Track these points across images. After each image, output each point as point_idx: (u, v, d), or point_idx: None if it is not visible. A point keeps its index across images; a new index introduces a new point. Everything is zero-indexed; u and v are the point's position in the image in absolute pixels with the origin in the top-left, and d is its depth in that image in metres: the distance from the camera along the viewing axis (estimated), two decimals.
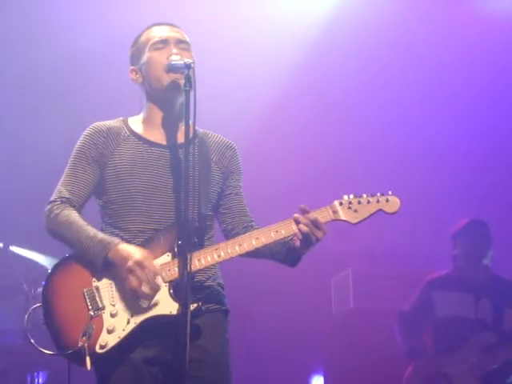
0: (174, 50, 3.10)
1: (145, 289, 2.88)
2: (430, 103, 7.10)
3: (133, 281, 2.89)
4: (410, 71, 6.96)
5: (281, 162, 7.08)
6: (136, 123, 3.22)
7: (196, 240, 2.98)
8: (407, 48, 6.91)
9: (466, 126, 7.05)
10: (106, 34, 6.33)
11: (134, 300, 2.93)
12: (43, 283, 3.06)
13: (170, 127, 3.16)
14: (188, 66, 2.96)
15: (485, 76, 6.88)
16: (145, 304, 2.92)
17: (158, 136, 3.16)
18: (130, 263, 2.89)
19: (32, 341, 3.06)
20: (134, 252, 2.92)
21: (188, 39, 3.20)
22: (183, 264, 2.76)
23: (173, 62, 3.04)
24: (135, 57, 3.22)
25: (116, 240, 2.97)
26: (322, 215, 3.00)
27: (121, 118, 3.25)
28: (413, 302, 5.74)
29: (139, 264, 2.89)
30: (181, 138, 3.08)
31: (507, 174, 7.03)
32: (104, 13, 6.54)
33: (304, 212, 3.00)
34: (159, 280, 2.93)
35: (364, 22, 6.79)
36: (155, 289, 2.90)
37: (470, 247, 5.66)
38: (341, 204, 3.03)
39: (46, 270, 3.11)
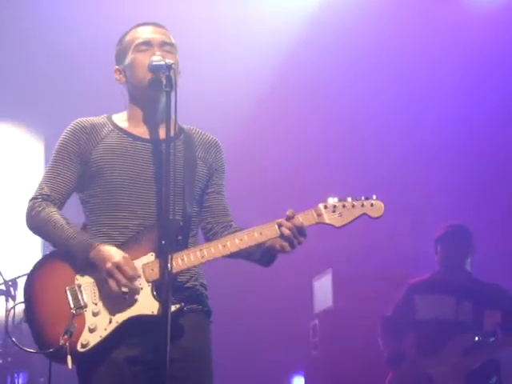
0: (158, 53, 3.08)
1: (123, 291, 2.88)
2: (417, 102, 7.12)
3: (111, 283, 2.88)
4: (400, 68, 6.98)
5: (267, 161, 7.09)
6: (120, 119, 3.21)
7: (180, 238, 2.97)
8: (398, 42, 6.91)
9: (456, 127, 7.07)
10: (97, 33, 6.32)
11: (116, 299, 2.92)
12: (25, 280, 3.03)
13: (153, 124, 3.15)
14: (169, 67, 2.96)
15: (478, 76, 6.90)
16: (126, 304, 2.91)
17: (142, 131, 3.15)
18: (108, 265, 2.88)
19: (13, 339, 3.05)
20: (113, 254, 2.91)
21: (173, 40, 3.19)
22: (165, 264, 2.75)
23: (154, 63, 3.03)
24: (119, 56, 3.21)
25: (96, 242, 2.96)
26: (307, 218, 3.00)
27: (105, 115, 3.24)
28: (394, 308, 5.76)
29: (118, 266, 2.88)
30: (164, 134, 3.06)
31: (494, 177, 7.06)
32: (95, 11, 6.54)
33: (289, 218, 2.98)
34: (141, 281, 2.92)
35: (350, 18, 6.80)
36: (134, 292, 2.90)
37: (449, 253, 5.68)
38: (325, 207, 3.02)
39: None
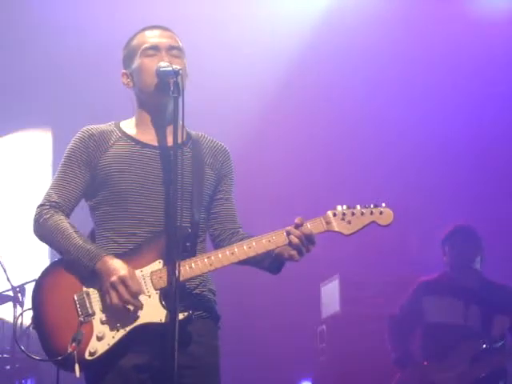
0: (165, 59, 3.07)
1: (126, 305, 2.88)
2: (424, 103, 7.10)
3: (113, 297, 2.88)
4: (407, 70, 6.97)
5: (276, 166, 7.08)
6: (128, 126, 3.20)
7: (188, 245, 2.96)
8: (406, 44, 6.91)
9: (461, 127, 7.06)
10: (107, 35, 6.33)
11: (124, 307, 2.90)
12: (33, 287, 3.03)
13: (161, 130, 3.14)
14: (176, 73, 2.95)
15: (484, 79, 6.90)
16: (134, 312, 2.90)
17: (150, 137, 3.14)
18: (113, 278, 2.88)
19: (21, 347, 3.04)
20: (119, 267, 2.90)
21: (180, 44, 3.18)
22: (172, 271, 2.75)
23: (161, 69, 3.02)
24: (127, 60, 3.20)
25: (103, 253, 2.95)
26: (316, 226, 3.00)
27: (112, 122, 3.23)
28: (403, 307, 5.73)
29: (123, 281, 2.88)
30: (172, 140, 3.06)
31: (500, 178, 7.04)
32: (104, 12, 6.55)
33: (298, 225, 2.97)
34: (149, 288, 2.92)
35: (357, 19, 6.79)
36: (136, 308, 2.89)
37: (457, 254, 5.65)
38: (334, 215, 3.02)
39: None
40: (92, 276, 2.95)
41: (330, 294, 6.61)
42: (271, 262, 3.07)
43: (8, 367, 5.81)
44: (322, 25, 6.90)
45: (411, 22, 6.90)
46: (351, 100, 7.03)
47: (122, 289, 2.87)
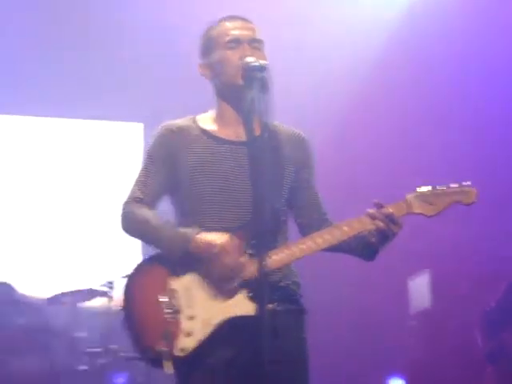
0: (248, 52, 3.07)
1: (232, 273, 2.90)
2: None
3: (220, 264, 2.89)
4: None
5: (355, 158, 7.03)
6: (206, 121, 3.21)
7: (270, 237, 2.95)
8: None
9: None
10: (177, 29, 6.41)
11: (210, 301, 2.94)
12: (124, 285, 3.07)
13: (240, 124, 3.14)
14: (263, 68, 2.95)
15: None
16: (221, 306, 2.92)
17: (229, 133, 3.15)
18: (215, 249, 2.90)
19: (113, 346, 3.10)
20: (216, 238, 2.92)
21: (260, 36, 3.17)
22: (259, 264, 2.74)
23: (249, 65, 3.00)
24: (205, 51, 3.20)
25: (195, 230, 2.97)
26: (397, 209, 2.97)
27: (190, 117, 3.25)
28: (495, 303, 5.64)
29: (224, 249, 2.89)
30: (251, 134, 3.07)
31: None
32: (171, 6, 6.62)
33: (378, 206, 2.97)
34: (235, 282, 2.93)
35: (441, 12, 6.68)
36: (240, 273, 2.90)
37: None
38: (415, 197, 2.99)
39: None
40: (182, 266, 2.97)
41: (420, 289, 6.55)
42: (363, 249, 3.07)
43: (101, 361, 5.92)
44: (406, 22, 6.81)
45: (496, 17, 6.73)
46: (437, 95, 6.91)
47: (225, 256, 2.89)
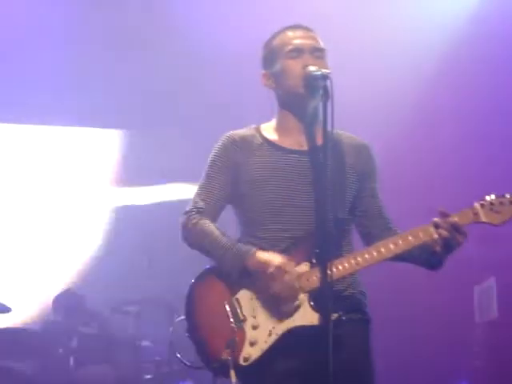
0: (310, 61, 3.07)
1: (287, 294, 2.89)
2: None
3: (275, 286, 2.89)
4: None
5: (420, 164, 6.94)
6: (269, 130, 3.21)
7: (333, 246, 2.94)
8: None
9: None
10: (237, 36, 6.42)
11: (274, 311, 2.94)
12: (186, 296, 3.10)
13: (303, 134, 3.14)
14: (325, 77, 2.93)
15: None
16: (286, 313, 2.92)
17: (291, 142, 3.15)
18: (271, 269, 2.90)
19: (178, 355, 3.12)
20: (273, 258, 2.93)
21: (322, 45, 3.16)
22: (323, 273, 2.74)
23: (311, 74, 3.00)
24: (267, 61, 3.20)
25: (252, 249, 2.98)
26: (462, 218, 2.94)
27: (253, 126, 3.25)
28: None
29: (280, 269, 2.89)
30: (314, 143, 3.07)
31: None
32: (233, 12, 6.64)
33: (443, 215, 2.93)
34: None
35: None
36: (296, 294, 2.90)
37: None
38: (482, 206, 2.95)
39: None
40: (242, 278, 2.99)
41: (486, 298, 6.44)
42: (428, 258, 3.03)
43: (165, 370, 5.95)
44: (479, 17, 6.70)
45: None
46: (504, 95, 6.78)
47: (281, 277, 2.88)
